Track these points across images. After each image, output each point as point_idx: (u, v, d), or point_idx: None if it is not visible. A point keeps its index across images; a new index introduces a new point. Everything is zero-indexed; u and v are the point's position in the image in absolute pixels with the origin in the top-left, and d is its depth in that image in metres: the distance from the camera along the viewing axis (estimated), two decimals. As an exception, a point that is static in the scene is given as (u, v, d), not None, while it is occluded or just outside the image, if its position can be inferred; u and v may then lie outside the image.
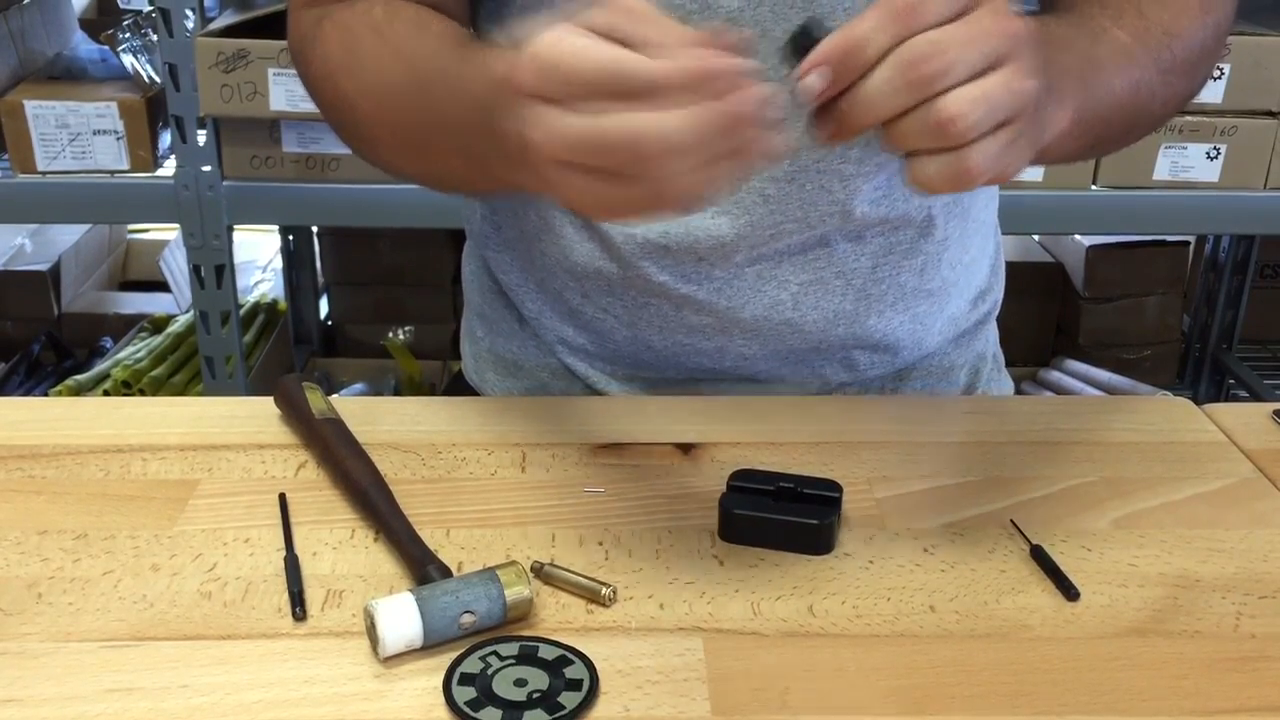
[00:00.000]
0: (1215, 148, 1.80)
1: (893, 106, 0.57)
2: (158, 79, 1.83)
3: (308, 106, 1.71)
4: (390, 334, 2.39)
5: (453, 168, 0.72)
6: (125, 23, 1.89)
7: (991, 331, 1.00)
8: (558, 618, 0.63)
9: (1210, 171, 1.82)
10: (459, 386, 1.02)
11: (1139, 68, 0.73)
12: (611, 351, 0.90)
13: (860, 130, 0.58)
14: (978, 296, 0.96)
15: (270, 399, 0.82)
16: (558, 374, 0.93)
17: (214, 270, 1.84)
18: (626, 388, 0.92)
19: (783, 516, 0.68)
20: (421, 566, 0.64)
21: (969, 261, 0.93)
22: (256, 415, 0.81)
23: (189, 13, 1.71)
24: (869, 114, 0.57)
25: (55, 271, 2.53)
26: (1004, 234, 1.01)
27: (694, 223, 0.83)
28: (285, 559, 0.66)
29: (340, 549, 0.68)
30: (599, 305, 0.88)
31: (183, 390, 2.16)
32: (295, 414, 0.79)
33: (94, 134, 1.80)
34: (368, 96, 0.75)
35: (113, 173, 1.82)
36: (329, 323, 2.55)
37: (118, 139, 1.80)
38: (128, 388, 2.15)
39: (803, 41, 0.58)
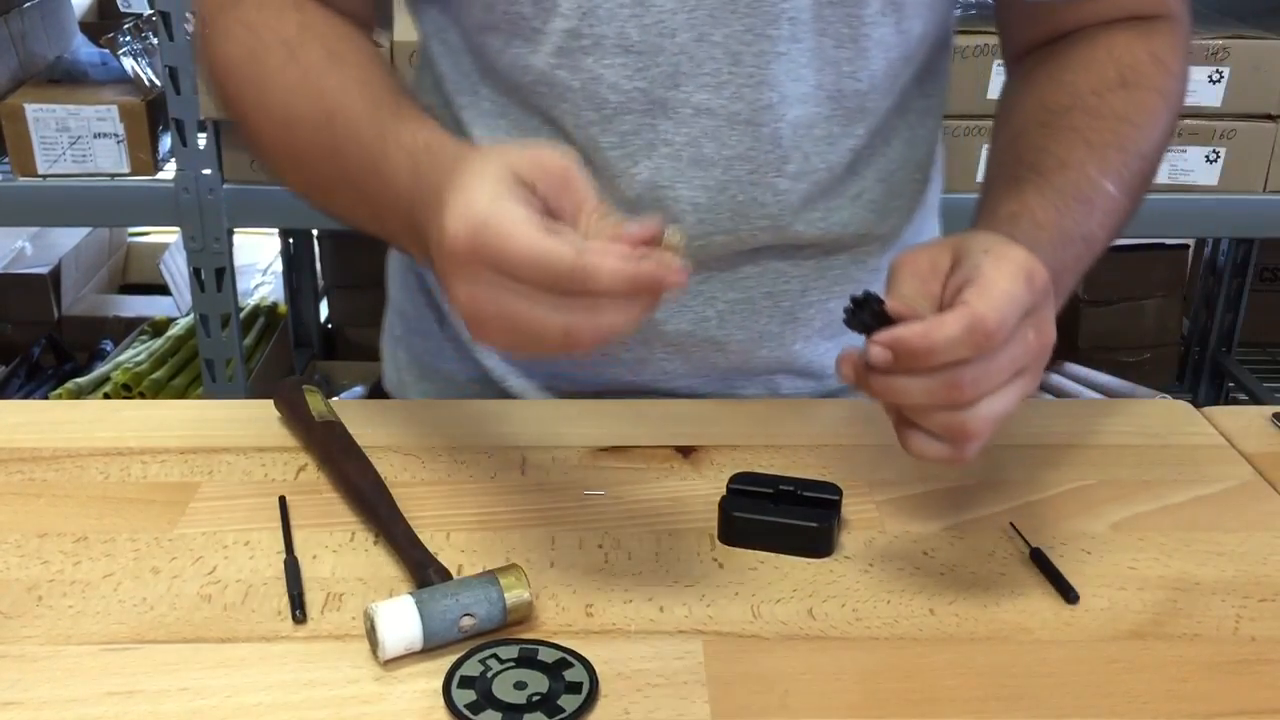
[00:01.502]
0: (1214, 151, 1.80)
1: (919, 403, 0.60)
2: (158, 82, 1.83)
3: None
4: (390, 337, 2.39)
5: (357, 220, 0.72)
6: (126, 26, 1.89)
7: None
8: (557, 620, 0.63)
9: (1209, 174, 1.82)
10: (379, 396, 1.00)
11: (1122, 213, 0.75)
12: (530, 356, 0.89)
13: (876, 396, 0.61)
14: None
15: (270, 402, 0.82)
16: (474, 380, 0.92)
17: (214, 273, 1.84)
18: (542, 396, 0.90)
19: (782, 519, 0.68)
20: (421, 569, 0.64)
21: None
22: (256, 418, 0.81)
23: (189, 16, 1.71)
24: (897, 398, 0.61)
25: (55, 274, 2.53)
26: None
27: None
28: (285, 562, 0.66)
29: (340, 552, 0.68)
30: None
31: (183, 393, 2.16)
32: (295, 417, 0.79)
33: (94, 137, 1.80)
34: (269, 118, 0.74)
35: (113, 175, 1.82)
36: (329, 326, 2.55)
37: (118, 142, 1.80)
38: (128, 390, 2.14)
39: (865, 312, 0.60)
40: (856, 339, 0.61)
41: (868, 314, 0.60)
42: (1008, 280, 0.59)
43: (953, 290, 0.61)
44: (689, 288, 0.83)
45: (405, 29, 0.82)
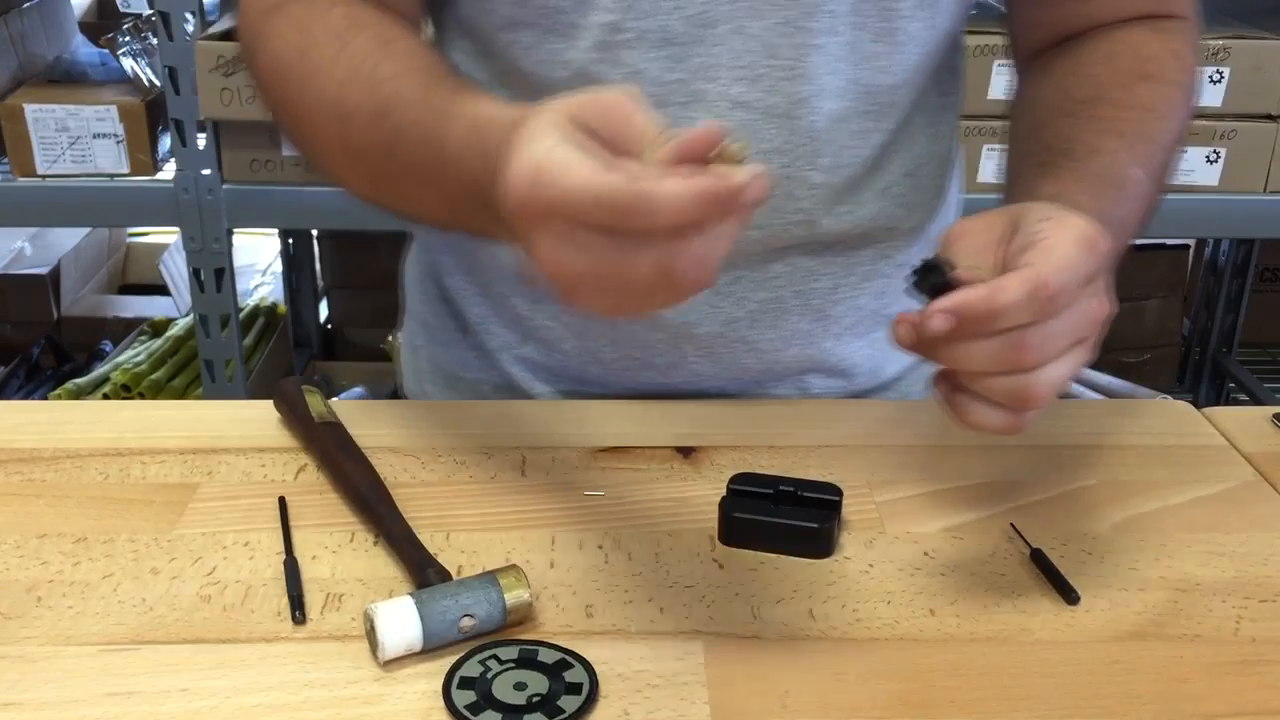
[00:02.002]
0: (1215, 151, 1.80)
1: (983, 369, 0.59)
2: (157, 82, 1.83)
3: (308, 110, 1.72)
4: (390, 337, 2.39)
5: (425, 211, 0.70)
6: (125, 26, 1.89)
7: None
8: (557, 621, 0.63)
9: (1210, 175, 1.82)
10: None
11: (1150, 201, 0.75)
12: (558, 363, 0.89)
13: (936, 362, 0.61)
14: None
15: (270, 402, 0.81)
16: (500, 388, 0.92)
17: (214, 274, 1.84)
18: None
19: (783, 520, 0.68)
20: (421, 570, 0.64)
21: None
22: (256, 419, 0.81)
23: (189, 16, 1.71)
24: (960, 363, 0.60)
25: (55, 275, 2.53)
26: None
27: None
28: (285, 562, 0.66)
29: (340, 552, 0.68)
30: (548, 313, 0.86)
31: (182, 394, 2.15)
32: (295, 417, 0.78)
33: (94, 137, 1.80)
34: (325, 115, 0.72)
35: (112, 176, 1.82)
36: (329, 326, 2.55)
37: (117, 142, 1.81)
38: (127, 391, 2.14)
39: (932, 276, 0.59)
40: (890, 314, 0.60)
41: (937, 277, 0.59)
42: (1070, 244, 0.59)
43: (1013, 256, 0.60)
44: (719, 289, 0.83)
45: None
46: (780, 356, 0.87)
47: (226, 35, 1.74)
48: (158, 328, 2.41)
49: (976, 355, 0.59)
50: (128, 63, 1.86)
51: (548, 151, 0.53)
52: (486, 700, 0.56)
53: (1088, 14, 0.83)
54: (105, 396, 2.15)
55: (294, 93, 0.74)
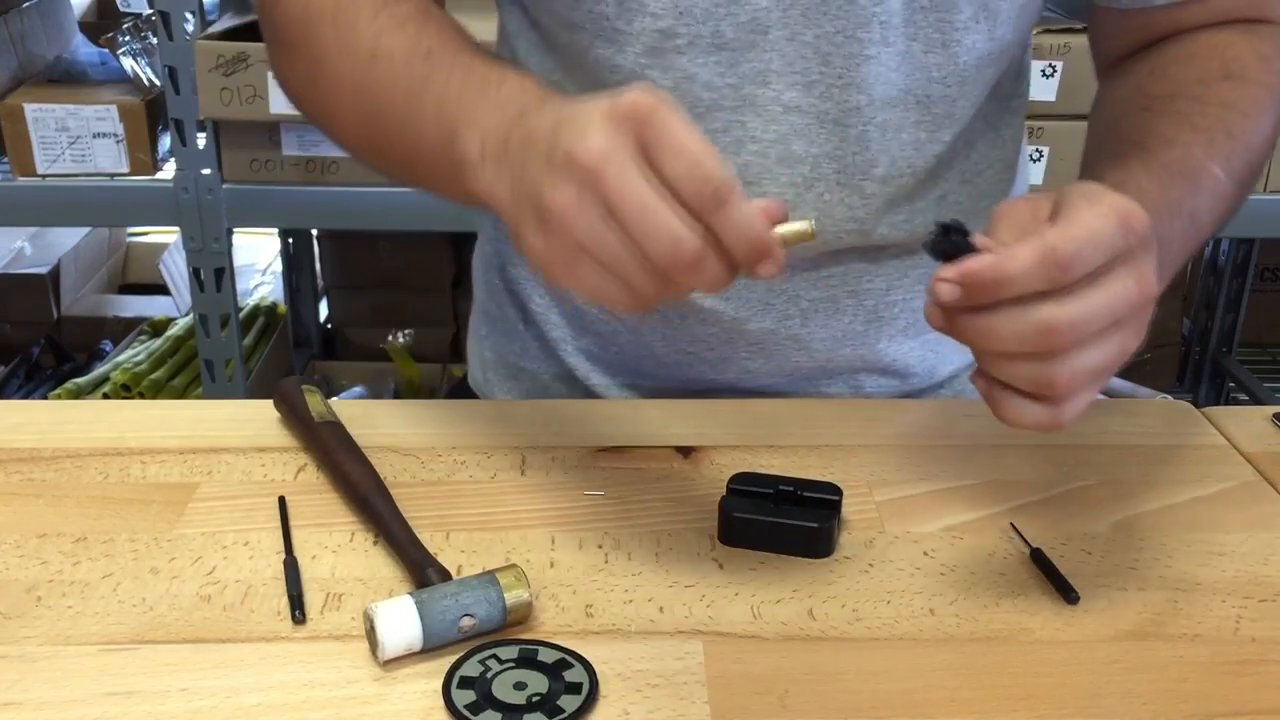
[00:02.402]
0: (1215, 151, 1.80)
1: (1010, 350, 0.58)
2: (157, 82, 1.83)
3: (308, 109, 1.72)
4: (390, 337, 2.39)
5: (418, 148, 0.69)
6: (125, 26, 1.89)
7: None
8: (557, 621, 0.63)
9: (1210, 175, 1.81)
10: (461, 393, 1.01)
11: (1229, 199, 0.74)
12: (614, 355, 0.90)
13: (963, 339, 0.59)
14: None
15: (270, 402, 0.81)
16: (559, 378, 0.93)
17: (214, 273, 1.84)
18: (626, 394, 0.91)
19: (782, 519, 0.68)
20: (421, 569, 0.64)
21: None
22: (256, 418, 0.81)
23: (189, 16, 1.71)
24: (985, 343, 0.58)
25: (55, 274, 2.53)
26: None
27: None
28: (285, 562, 0.66)
29: (340, 552, 0.68)
30: (604, 306, 0.87)
31: (182, 393, 2.16)
32: (295, 417, 0.78)
33: (94, 137, 1.80)
34: (350, 52, 0.72)
35: (112, 175, 1.82)
36: (328, 326, 2.55)
37: (117, 142, 1.81)
38: (127, 391, 2.15)
39: (947, 239, 0.58)
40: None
41: (948, 244, 0.57)
42: (1096, 218, 0.57)
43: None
44: (772, 285, 0.83)
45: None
46: (833, 355, 0.87)
47: (226, 35, 1.74)
48: (158, 327, 2.41)
49: (1002, 333, 0.57)
50: (128, 62, 1.86)
51: (670, 103, 0.56)
52: (486, 700, 0.56)
53: (1177, 19, 0.82)
54: (105, 396, 2.15)
55: (322, 35, 0.74)
